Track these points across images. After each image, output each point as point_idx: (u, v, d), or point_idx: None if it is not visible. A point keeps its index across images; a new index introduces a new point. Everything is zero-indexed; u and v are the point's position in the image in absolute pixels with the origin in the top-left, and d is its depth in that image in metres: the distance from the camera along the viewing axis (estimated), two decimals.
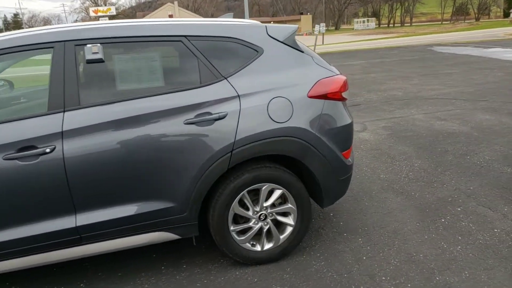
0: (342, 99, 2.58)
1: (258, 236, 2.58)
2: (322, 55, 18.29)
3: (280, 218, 2.57)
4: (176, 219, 2.34)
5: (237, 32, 2.44)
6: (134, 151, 2.17)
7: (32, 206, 2.10)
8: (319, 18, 69.66)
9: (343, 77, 2.60)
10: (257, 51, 2.44)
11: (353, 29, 66.52)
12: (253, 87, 2.37)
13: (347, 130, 2.62)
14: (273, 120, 2.35)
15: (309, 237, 2.91)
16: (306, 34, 48.00)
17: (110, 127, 2.14)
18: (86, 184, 2.13)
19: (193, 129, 2.25)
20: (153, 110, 2.21)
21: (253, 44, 2.44)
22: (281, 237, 2.59)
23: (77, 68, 2.16)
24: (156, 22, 2.39)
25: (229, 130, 2.29)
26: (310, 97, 2.45)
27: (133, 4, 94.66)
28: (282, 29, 2.54)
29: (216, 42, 2.39)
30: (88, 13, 43.26)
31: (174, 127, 2.22)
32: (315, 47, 20.87)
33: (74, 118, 2.11)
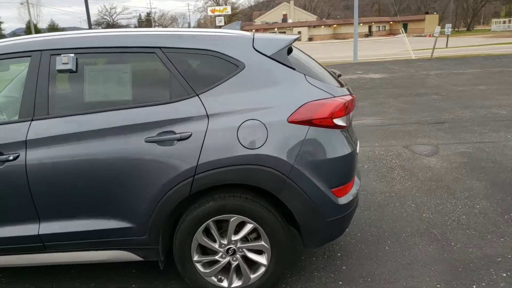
0: (335, 127, 2.19)
1: (228, 270, 2.35)
2: (434, 60, 16.65)
3: (250, 255, 2.30)
4: (135, 241, 2.25)
5: (216, 45, 2.23)
6: (92, 166, 2.13)
7: None
8: (448, 18, 63.46)
9: (340, 101, 2.21)
10: (237, 66, 2.20)
11: (489, 30, 59.08)
12: (225, 107, 2.14)
13: (342, 163, 2.23)
14: (242, 145, 2.09)
15: (298, 278, 2.57)
16: (430, 36, 44.16)
17: (71, 139, 2.14)
18: (47, 194, 2.17)
19: (154, 148, 2.12)
20: (115, 124, 2.14)
21: (233, 58, 2.20)
22: (252, 276, 2.32)
23: (49, 78, 2.20)
24: (131, 32, 2.31)
25: (191, 152, 2.10)
26: (291, 122, 2.13)
27: (252, 4, 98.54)
28: (272, 42, 2.27)
29: (193, 55, 2.23)
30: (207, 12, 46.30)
31: (134, 144, 2.12)
32: (433, 50, 19.01)
33: (39, 128, 2.16)
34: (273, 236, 2.22)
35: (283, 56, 2.24)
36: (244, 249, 2.29)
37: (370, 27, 68.46)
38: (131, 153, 2.12)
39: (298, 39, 2.56)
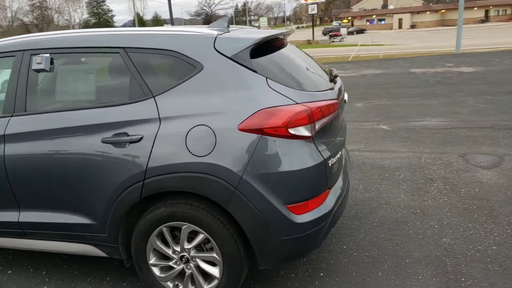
0: (292, 137, 1.96)
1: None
2: None
3: (203, 265, 2.21)
4: (98, 238, 2.31)
5: (176, 45, 2.14)
6: (57, 162, 2.23)
7: None
8: None
9: (299, 108, 1.97)
10: (195, 67, 2.08)
11: None
12: (178, 110, 2.06)
13: (301, 177, 2.00)
14: (189, 152, 2.00)
15: None
16: None
17: (39, 136, 2.26)
18: (21, 186, 2.34)
19: (109, 149, 2.14)
20: (77, 123, 2.20)
21: (192, 58, 2.09)
22: (206, 287, 2.23)
23: (28, 76, 2.34)
24: (100, 32, 2.34)
25: (142, 156, 2.08)
26: (241, 130, 1.96)
27: None
28: (235, 42, 2.10)
29: (153, 55, 2.18)
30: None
31: (92, 144, 2.16)
32: None
33: (15, 123, 2.32)
34: (223, 249, 2.10)
35: (245, 57, 2.06)
36: (197, 259, 2.21)
37: (487, 12, 61.01)
38: (89, 152, 2.17)
39: (278, 38, 2.35)
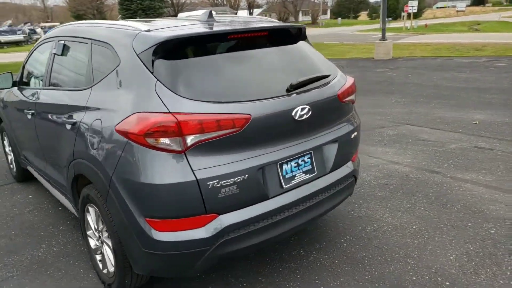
0: (156, 148, 1.80)
1: None
2: None
3: (106, 249, 2.29)
4: (68, 196, 2.66)
5: (111, 38, 2.25)
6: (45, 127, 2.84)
7: None
8: None
9: (162, 118, 1.78)
10: (117, 62, 2.11)
11: None
12: (94, 103, 2.21)
13: (161, 193, 1.81)
14: (89, 143, 2.13)
15: None
16: None
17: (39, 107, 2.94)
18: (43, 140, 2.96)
19: (65, 127, 2.43)
20: (56, 101, 2.68)
21: (116, 53, 2.13)
22: (111, 270, 2.26)
23: (52, 57, 2.92)
24: (92, 24, 2.64)
25: (72, 139, 2.32)
26: (117, 131, 1.91)
27: None
28: (148, 38, 1.99)
29: (100, 48, 2.31)
30: None
31: (59, 120, 2.53)
32: None
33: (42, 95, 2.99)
34: (113, 238, 2.14)
35: (148, 56, 1.94)
36: (104, 241, 2.29)
37: None
38: (58, 126, 2.54)
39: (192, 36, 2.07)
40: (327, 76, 2.35)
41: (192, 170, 1.80)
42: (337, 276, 2.44)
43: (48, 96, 2.82)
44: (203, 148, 1.83)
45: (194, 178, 1.79)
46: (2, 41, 35.22)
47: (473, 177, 3.82)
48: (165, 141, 1.79)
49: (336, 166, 2.37)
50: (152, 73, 1.91)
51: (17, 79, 3.47)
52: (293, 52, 2.39)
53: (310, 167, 2.23)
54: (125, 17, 28.60)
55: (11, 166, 4.22)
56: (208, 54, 2.11)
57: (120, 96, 2.01)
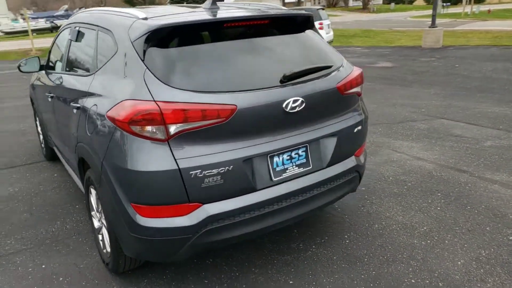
0: (140, 135, 1.82)
1: None
2: None
3: (104, 230, 2.35)
4: (79, 174, 2.71)
5: (113, 25, 2.28)
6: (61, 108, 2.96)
7: None
8: None
9: (146, 106, 1.80)
10: (116, 49, 2.14)
11: None
12: (94, 89, 2.27)
13: (144, 180, 1.84)
14: (87, 128, 2.21)
15: None
16: None
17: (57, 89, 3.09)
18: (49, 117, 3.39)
19: (74, 110, 2.49)
20: (67, 86, 2.79)
21: (116, 40, 2.17)
22: (109, 250, 2.32)
23: (69, 43, 3.08)
24: (107, 10, 2.61)
25: (75, 123, 2.40)
26: (108, 117, 1.96)
27: None
28: (141, 27, 2.00)
29: (104, 35, 2.35)
30: None
31: (69, 103, 2.61)
32: None
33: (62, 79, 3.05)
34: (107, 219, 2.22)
35: (140, 44, 1.96)
36: (103, 222, 2.35)
37: None
38: (68, 110, 2.62)
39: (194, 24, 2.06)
40: (328, 67, 2.24)
41: (175, 159, 1.81)
42: (332, 272, 2.38)
43: (63, 80, 2.94)
44: (187, 137, 1.83)
45: (177, 167, 1.81)
46: (59, 25, 37.15)
47: (503, 178, 3.54)
48: (148, 129, 1.81)
49: (335, 160, 2.28)
50: (143, 61, 1.93)
51: (44, 63, 3.65)
52: (296, 42, 2.30)
53: (304, 160, 2.16)
54: (173, 2, 28.94)
55: (42, 145, 4.49)
56: (201, 43, 2.09)
57: (114, 83, 2.06)
